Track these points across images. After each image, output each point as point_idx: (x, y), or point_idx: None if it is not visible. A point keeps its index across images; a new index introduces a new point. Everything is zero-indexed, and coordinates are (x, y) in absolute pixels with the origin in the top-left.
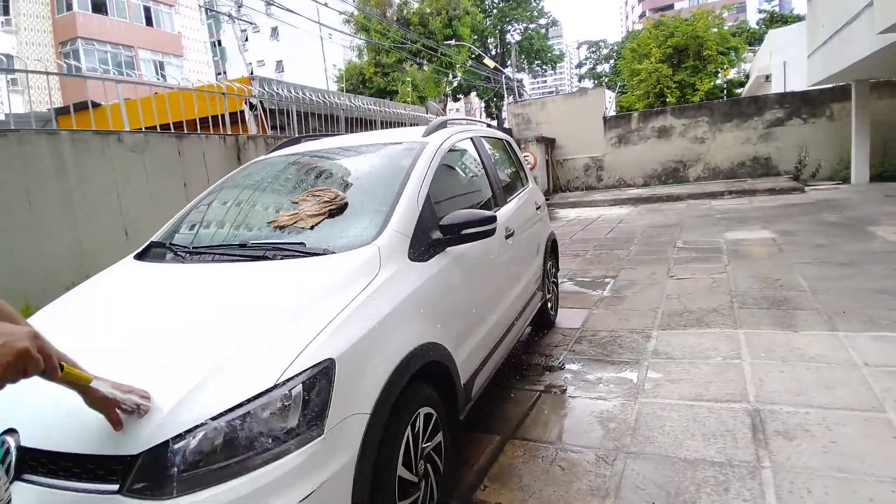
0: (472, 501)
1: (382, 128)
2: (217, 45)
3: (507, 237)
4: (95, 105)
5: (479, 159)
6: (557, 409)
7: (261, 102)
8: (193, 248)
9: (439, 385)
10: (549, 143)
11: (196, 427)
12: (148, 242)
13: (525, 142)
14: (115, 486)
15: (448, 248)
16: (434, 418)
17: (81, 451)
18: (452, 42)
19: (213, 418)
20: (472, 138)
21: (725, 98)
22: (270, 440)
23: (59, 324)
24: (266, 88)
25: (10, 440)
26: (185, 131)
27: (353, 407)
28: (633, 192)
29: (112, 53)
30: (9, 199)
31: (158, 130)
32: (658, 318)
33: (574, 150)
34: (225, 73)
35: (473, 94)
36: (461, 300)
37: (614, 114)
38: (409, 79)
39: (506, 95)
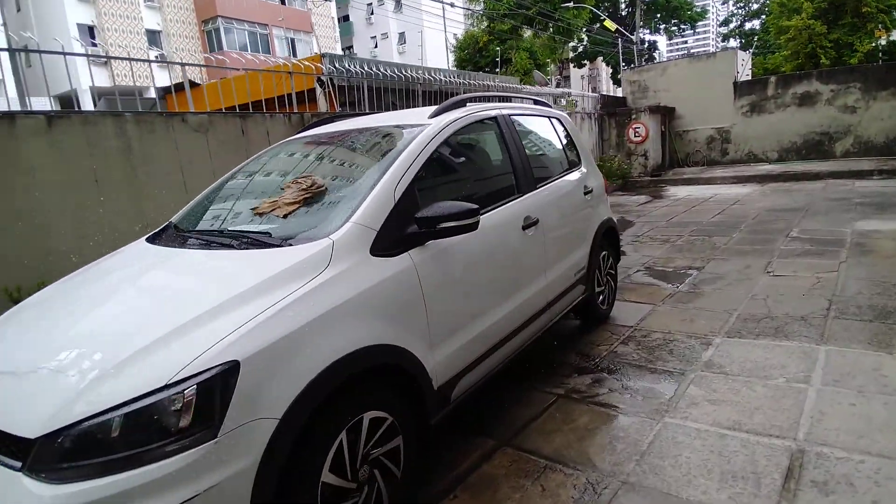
0: None
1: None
2: (344, 20)
3: (525, 227)
4: (196, 85)
5: (501, 141)
6: (569, 418)
7: (330, 80)
8: (188, 232)
9: (401, 388)
10: (666, 113)
11: (86, 419)
12: (166, 223)
13: (636, 111)
14: (19, 464)
15: (429, 242)
16: (388, 423)
17: None
18: (570, 4)
19: (102, 412)
20: (496, 118)
21: (881, 62)
22: (157, 439)
23: (41, 305)
24: (337, 66)
25: None
26: (260, 111)
27: (259, 411)
28: (763, 168)
29: (249, 32)
30: (75, 178)
31: (244, 109)
32: (730, 322)
33: (696, 120)
34: (350, 48)
35: (600, 59)
36: (441, 298)
37: (747, 78)
38: (520, 46)
39: (621, 60)
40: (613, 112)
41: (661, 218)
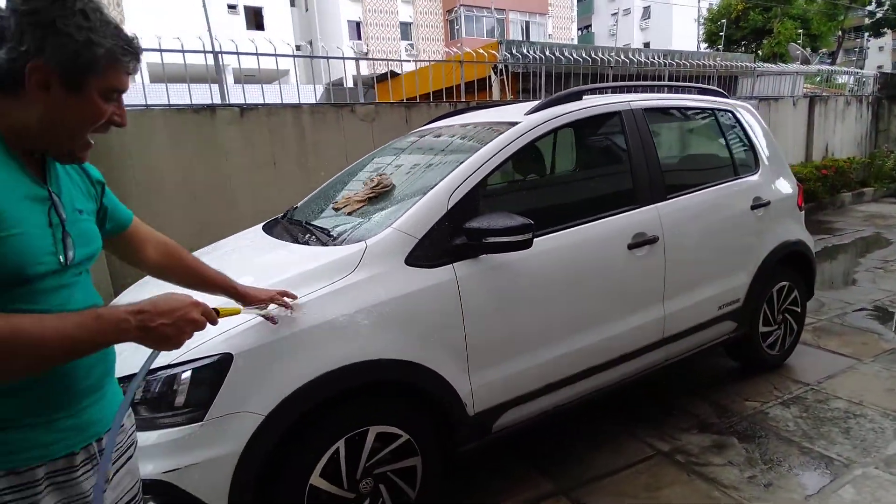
0: None
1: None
2: None
3: (634, 245)
4: (390, 76)
5: (622, 141)
6: (656, 484)
7: (505, 67)
8: (289, 220)
9: (424, 408)
10: None
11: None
12: (288, 209)
13: None
14: None
15: (482, 256)
16: (403, 440)
17: None
18: None
19: (126, 376)
20: (619, 112)
21: None
22: (157, 410)
23: None
24: (513, 52)
25: None
26: (437, 100)
27: (245, 405)
28: None
29: (487, 19)
30: (259, 159)
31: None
32: None
33: None
34: (588, 27)
35: None
36: (488, 319)
37: None
38: (787, 14)
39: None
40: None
41: None
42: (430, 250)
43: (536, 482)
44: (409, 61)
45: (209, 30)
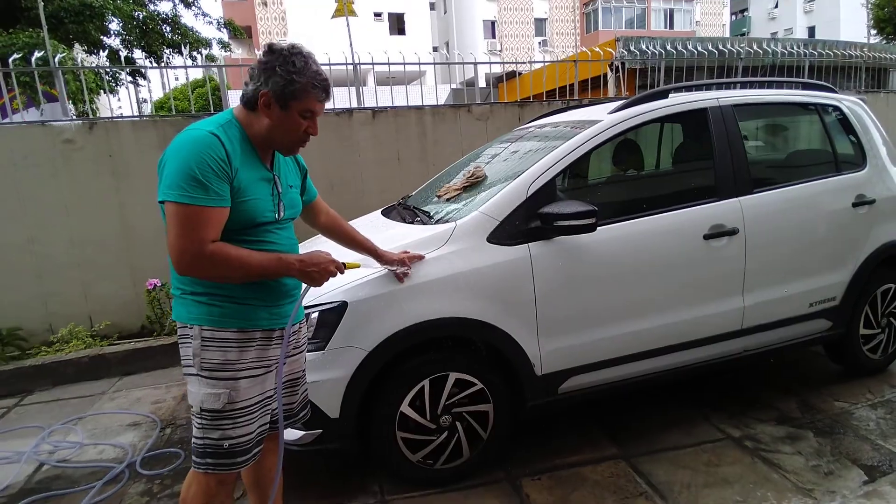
0: (513, 480)
1: (814, 75)
2: None
3: (711, 237)
4: (512, 75)
5: (706, 136)
6: (717, 460)
7: (622, 64)
8: (402, 206)
9: (498, 363)
10: None
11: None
12: (404, 196)
13: None
14: None
15: (557, 238)
16: (477, 388)
17: None
18: None
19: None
20: (705, 109)
21: None
22: (307, 339)
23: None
24: (631, 48)
25: None
26: (550, 98)
27: (355, 341)
28: None
29: (626, 9)
30: (385, 155)
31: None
32: None
33: None
34: (743, 11)
35: None
36: (557, 292)
37: None
38: None
39: None
40: None
41: None
42: (509, 231)
43: (603, 446)
44: (524, 63)
45: (350, 45)
